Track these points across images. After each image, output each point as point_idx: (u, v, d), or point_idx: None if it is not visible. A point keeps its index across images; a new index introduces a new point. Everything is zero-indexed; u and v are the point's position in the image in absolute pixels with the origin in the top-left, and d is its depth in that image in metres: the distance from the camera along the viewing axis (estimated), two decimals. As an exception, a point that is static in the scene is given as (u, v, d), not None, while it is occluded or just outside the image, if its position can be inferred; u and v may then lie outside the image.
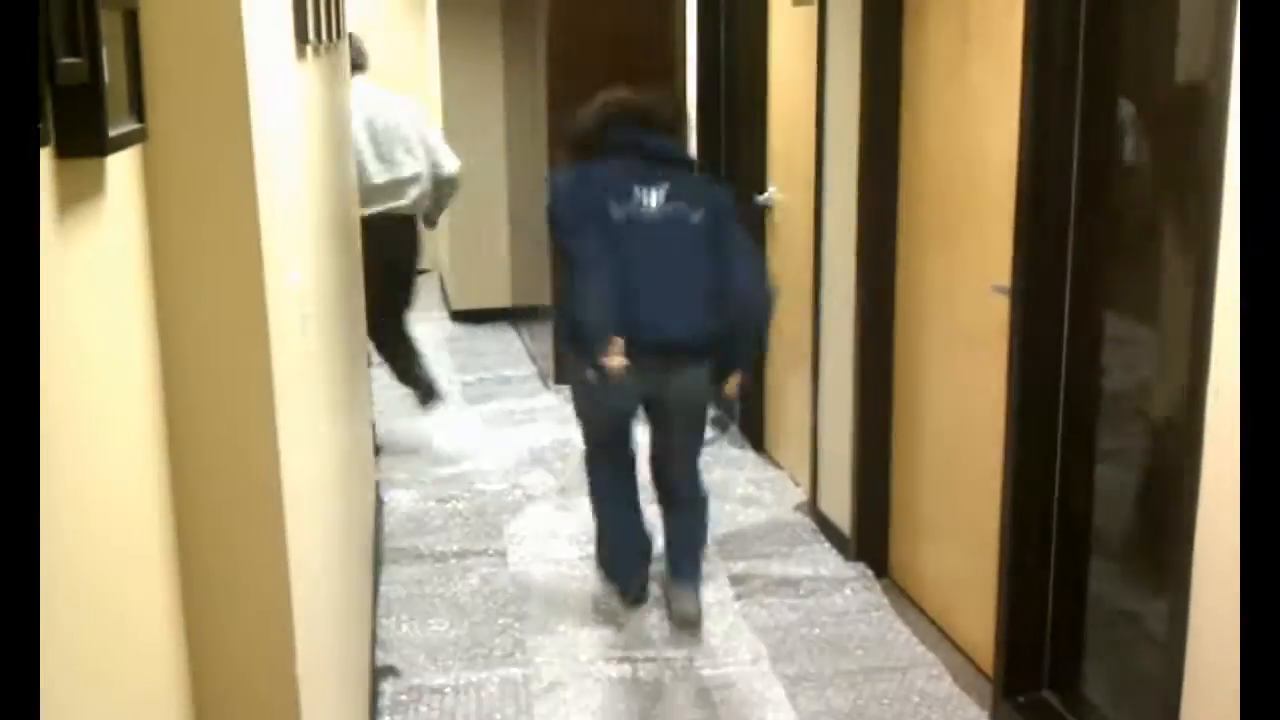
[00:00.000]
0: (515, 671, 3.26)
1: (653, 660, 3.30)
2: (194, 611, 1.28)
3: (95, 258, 0.96)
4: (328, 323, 2.40)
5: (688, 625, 3.42)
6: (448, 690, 3.17)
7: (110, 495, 1.06)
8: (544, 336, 6.22)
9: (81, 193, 0.90)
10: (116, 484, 1.08)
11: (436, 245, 8.10)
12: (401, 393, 5.61)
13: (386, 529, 4.28)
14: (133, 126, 1.00)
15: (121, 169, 1.04)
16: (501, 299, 7.45)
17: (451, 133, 7.38)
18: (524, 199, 6.51)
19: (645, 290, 3.20)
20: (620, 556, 3.66)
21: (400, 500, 4.54)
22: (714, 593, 3.69)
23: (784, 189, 4.67)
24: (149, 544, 1.17)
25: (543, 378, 6.15)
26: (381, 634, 3.47)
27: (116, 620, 1.07)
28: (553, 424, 5.40)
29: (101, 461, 1.03)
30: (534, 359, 6.43)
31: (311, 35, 2.11)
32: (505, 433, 5.31)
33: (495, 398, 5.89)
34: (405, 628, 3.53)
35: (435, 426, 5.35)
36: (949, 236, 3.33)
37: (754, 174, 4.91)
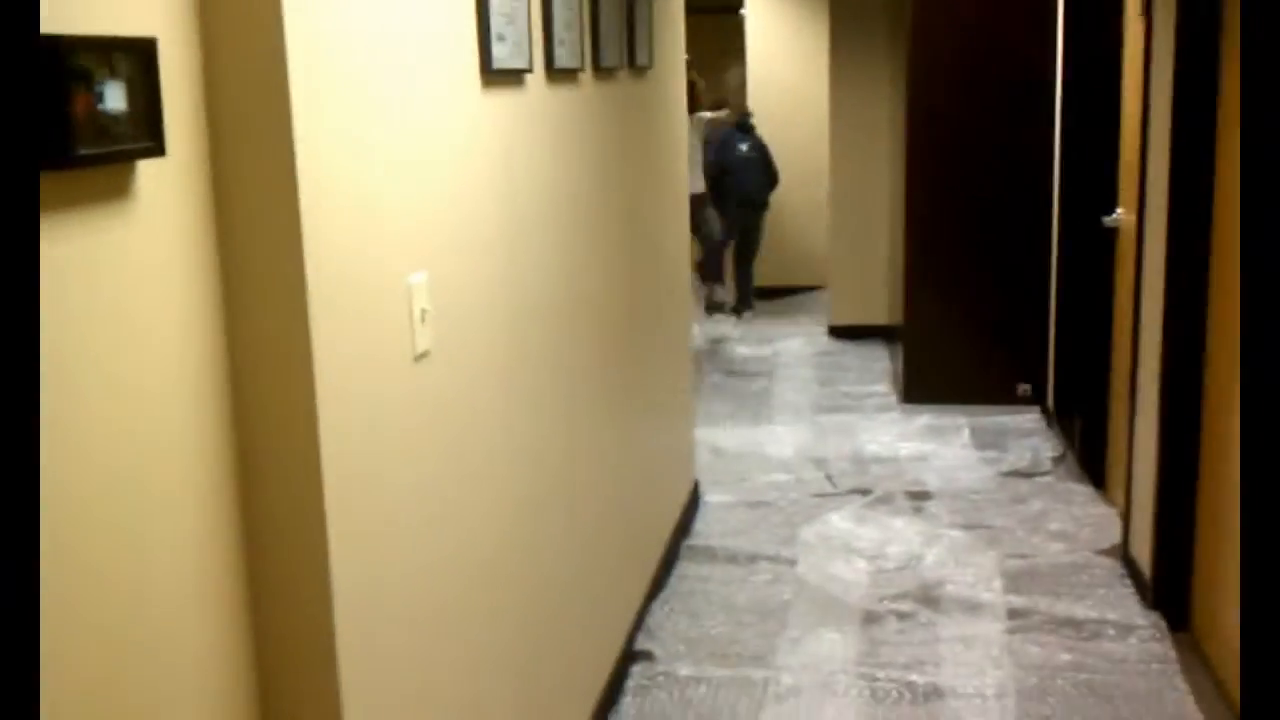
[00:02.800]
0: (758, 673, 3.36)
1: (894, 680, 3.27)
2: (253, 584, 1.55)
3: (86, 260, 1.25)
4: (553, 325, 2.64)
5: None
6: (690, 681, 3.33)
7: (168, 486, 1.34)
8: (901, 355, 6.19)
9: (63, 202, 1.18)
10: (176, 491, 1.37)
11: (823, 261, 8.25)
12: (742, 405, 5.85)
13: (697, 527, 4.49)
14: (142, 145, 1.27)
15: (147, 181, 1.32)
16: (878, 316, 7.46)
17: (838, 153, 7.51)
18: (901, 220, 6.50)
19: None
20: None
21: (718, 501, 4.74)
22: (983, 625, 3.58)
23: (1129, 210, 4.38)
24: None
25: (897, 395, 6.12)
26: (650, 621, 3.68)
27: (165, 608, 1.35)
28: (887, 441, 5.39)
29: (151, 490, 1.31)
30: (894, 378, 6.40)
31: (515, 64, 2.35)
32: (838, 445, 5.37)
33: (842, 411, 5.95)
34: (675, 619, 3.72)
35: (772, 435, 5.51)
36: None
37: (1105, 194, 4.64)
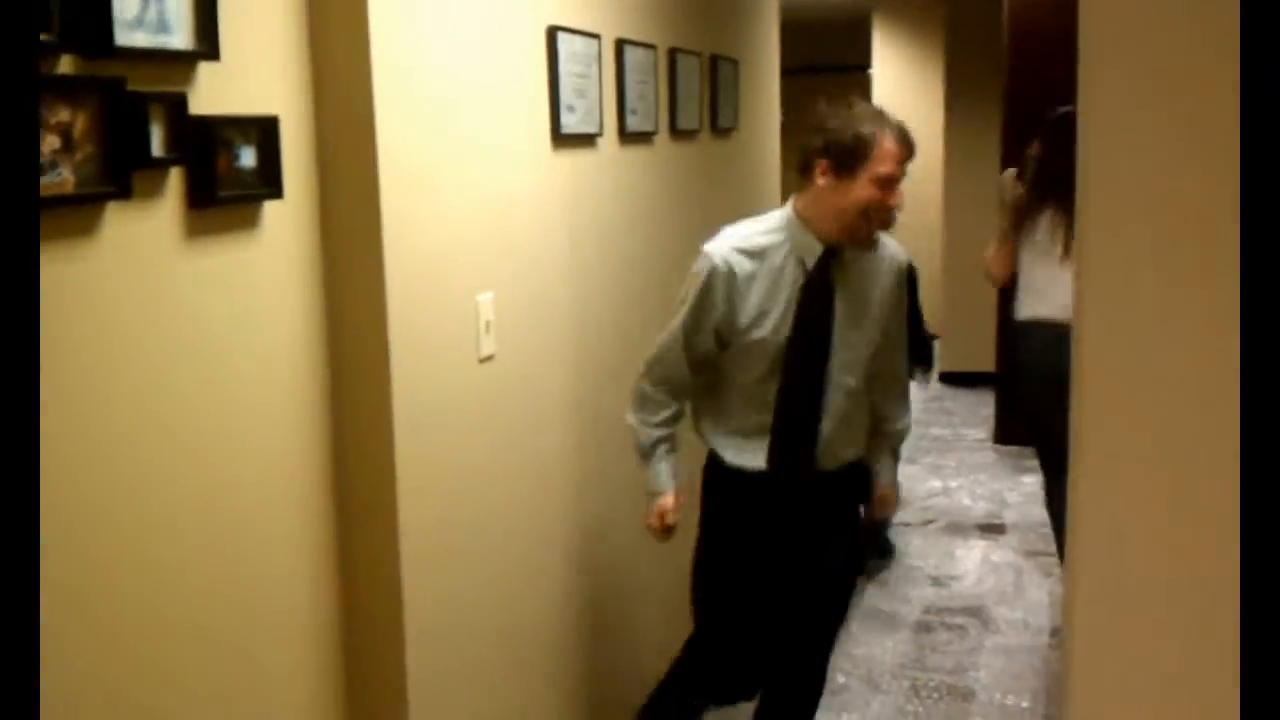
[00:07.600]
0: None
1: (935, 684, 3.60)
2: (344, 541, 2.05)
3: (229, 270, 1.78)
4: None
5: None
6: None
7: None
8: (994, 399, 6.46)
9: (209, 230, 1.70)
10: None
11: (937, 309, 8.52)
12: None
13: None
14: (266, 191, 1.80)
15: (270, 217, 1.84)
16: (989, 363, 7.70)
17: (951, 204, 7.84)
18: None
19: None
20: None
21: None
22: (1025, 638, 3.87)
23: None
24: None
25: (989, 437, 6.40)
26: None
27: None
28: (962, 479, 5.69)
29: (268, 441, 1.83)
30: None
31: (584, 129, 2.85)
32: (919, 482, 5.69)
33: (931, 453, 6.25)
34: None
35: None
36: None
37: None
